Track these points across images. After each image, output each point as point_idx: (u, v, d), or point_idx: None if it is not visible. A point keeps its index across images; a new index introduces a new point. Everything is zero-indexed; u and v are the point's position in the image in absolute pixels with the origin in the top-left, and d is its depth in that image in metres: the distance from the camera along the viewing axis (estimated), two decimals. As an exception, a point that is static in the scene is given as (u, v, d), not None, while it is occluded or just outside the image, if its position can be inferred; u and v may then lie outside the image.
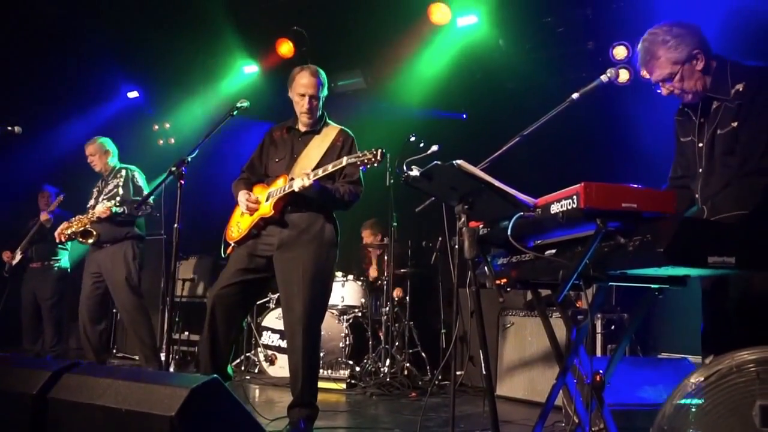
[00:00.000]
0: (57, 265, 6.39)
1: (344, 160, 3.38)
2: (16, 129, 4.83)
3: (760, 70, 2.48)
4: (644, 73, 2.58)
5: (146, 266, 7.28)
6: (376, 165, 3.32)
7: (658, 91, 2.58)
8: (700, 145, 2.56)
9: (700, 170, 2.56)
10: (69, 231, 5.21)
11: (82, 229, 5.14)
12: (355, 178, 3.60)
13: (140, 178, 5.43)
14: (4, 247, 6.49)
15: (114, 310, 7.57)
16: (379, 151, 3.28)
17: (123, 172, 5.36)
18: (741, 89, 2.42)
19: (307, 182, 3.33)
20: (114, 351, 7.43)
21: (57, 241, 5.34)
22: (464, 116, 5.00)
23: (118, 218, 5.12)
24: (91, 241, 5.14)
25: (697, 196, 2.57)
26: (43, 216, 6.06)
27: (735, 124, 2.42)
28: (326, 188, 3.49)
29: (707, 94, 2.52)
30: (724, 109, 2.47)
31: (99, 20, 7.18)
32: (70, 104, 7.86)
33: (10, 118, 4.89)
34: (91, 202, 5.38)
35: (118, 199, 5.09)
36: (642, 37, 2.57)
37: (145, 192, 5.29)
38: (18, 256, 6.34)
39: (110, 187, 5.27)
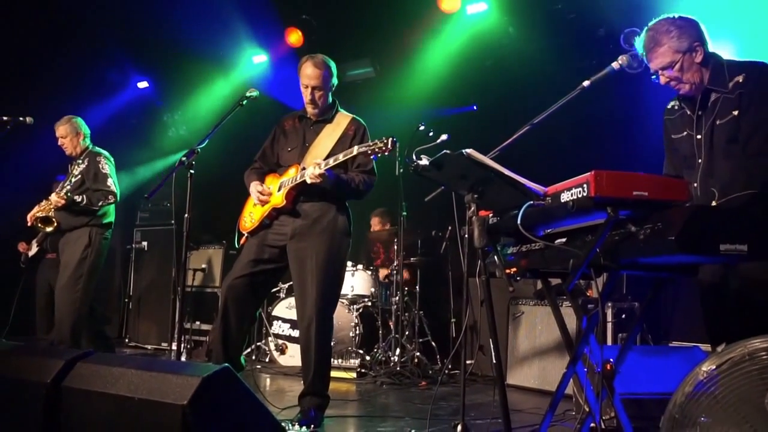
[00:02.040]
0: None
1: (355, 149, 3.38)
2: (28, 119, 4.83)
3: (757, 63, 2.57)
4: (653, 64, 2.63)
5: (157, 256, 7.37)
6: (387, 154, 3.31)
7: (656, 81, 2.65)
8: (699, 137, 2.61)
9: (699, 161, 2.61)
10: (40, 215, 5.00)
11: (43, 215, 4.94)
12: (369, 168, 3.60)
13: (106, 165, 5.06)
14: (20, 238, 6.53)
15: (126, 300, 7.67)
16: (390, 139, 3.27)
17: (89, 159, 5.03)
18: (741, 80, 2.51)
19: (317, 171, 3.33)
20: (126, 340, 7.51)
21: (28, 224, 5.14)
22: (474, 108, 4.99)
23: (76, 208, 4.88)
24: (50, 229, 4.93)
25: (695, 185, 2.60)
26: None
27: (736, 113, 2.49)
28: (341, 178, 3.49)
29: (706, 86, 2.59)
30: (722, 100, 2.54)
31: (108, 10, 7.19)
32: (80, 95, 7.88)
33: (21, 109, 4.90)
34: (60, 187, 5.11)
35: (68, 188, 4.84)
36: (646, 27, 2.64)
37: (110, 180, 4.98)
38: (34, 248, 6.39)
39: (76, 172, 4.99)
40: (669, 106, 2.81)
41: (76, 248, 4.93)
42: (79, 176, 4.95)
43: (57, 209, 4.89)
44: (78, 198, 4.83)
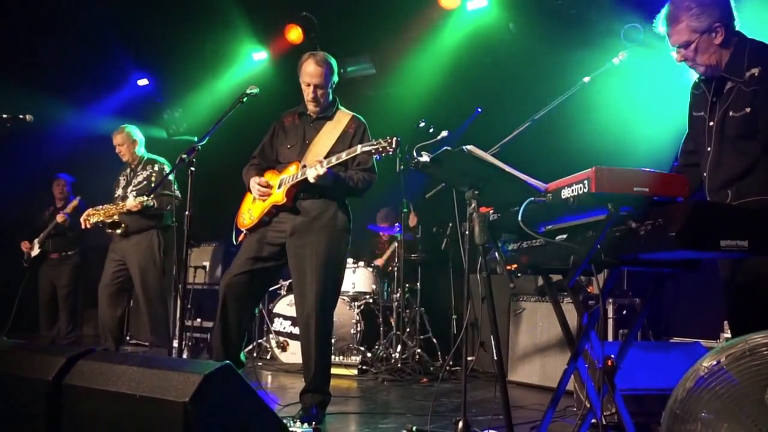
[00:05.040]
0: (74, 254, 6.45)
1: (358, 148, 3.37)
2: (28, 117, 4.84)
3: None
4: (670, 40, 2.53)
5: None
6: (390, 153, 3.31)
7: (672, 53, 2.55)
8: (711, 123, 2.53)
9: (709, 149, 2.53)
10: (94, 219, 5.24)
11: (110, 220, 5.17)
12: (369, 166, 3.58)
13: (167, 171, 5.36)
14: (21, 237, 6.54)
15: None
16: (394, 139, 3.26)
17: (155, 166, 5.34)
18: (756, 74, 2.38)
19: (321, 171, 3.32)
20: (128, 338, 7.50)
21: (82, 227, 5.36)
22: (479, 110, 5.01)
23: (149, 212, 5.16)
24: (119, 231, 5.21)
25: (705, 174, 2.54)
26: (60, 217, 6.08)
27: (749, 110, 2.39)
28: (340, 177, 3.48)
29: (722, 73, 2.47)
30: (737, 91, 2.43)
31: (108, 7, 7.18)
32: (81, 92, 7.89)
33: (21, 107, 4.90)
34: (119, 191, 5.39)
35: (151, 195, 5.09)
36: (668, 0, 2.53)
37: (173, 185, 5.27)
38: (36, 249, 6.41)
39: (140, 179, 5.28)
40: (696, 81, 2.67)
41: (152, 251, 5.23)
42: (144, 182, 5.24)
43: (126, 213, 5.15)
44: (151, 202, 5.09)
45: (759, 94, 2.37)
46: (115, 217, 5.16)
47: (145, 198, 5.01)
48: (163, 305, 5.32)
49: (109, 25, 7.41)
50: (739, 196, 2.38)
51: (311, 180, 3.37)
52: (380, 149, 3.29)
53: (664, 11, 2.52)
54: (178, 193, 5.23)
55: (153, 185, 5.19)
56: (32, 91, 7.23)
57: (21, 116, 4.79)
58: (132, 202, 5.05)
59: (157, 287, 5.25)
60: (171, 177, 5.33)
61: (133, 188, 5.25)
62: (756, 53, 2.43)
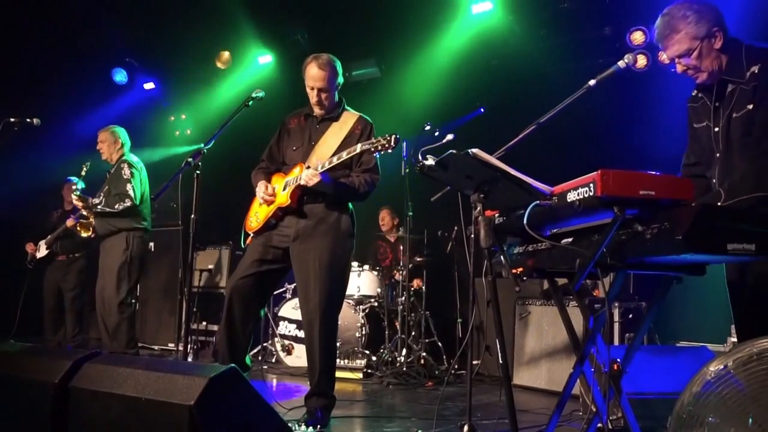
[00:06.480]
0: (81, 257, 6.47)
1: (358, 147, 3.36)
2: (35, 121, 4.88)
3: None
4: (662, 55, 2.55)
5: (164, 257, 7.39)
6: (390, 151, 3.29)
7: (673, 70, 2.56)
8: (716, 129, 2.53)
9: (717, 155, 2.53)
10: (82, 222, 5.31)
11: (85, 222, 5.25)
12: (371, 166, 3.57)
13: (128, 171, 5.26)
14: (28, 239, 6.57)
15: (133, 301, 7.67)
16: (393, 137, 3.25)
17: (116, 166, 5.31)
18: (756, 71, 2.40)
19: (314, 179, 3.34)
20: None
21: (92, 236, 5.40)
22: (482, 110, 4.99)
23: (96, 210, 5.17)
24: (85, 235, 5.22)
25: (714, 181, 2.54)
26: (70, 222, 6.08)
27: (750, 107, 2.39)
28: (338, 183, 3.47)
29: (723, 76, 2.48)
30: (739, 92, 2.44)
31: (115, 12, 7.22)
32: (88, 96, 7.93)
33: (29, 111, 4.94)
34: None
35: (101, 194, 5.10)
36: (661, 12, 2.53)
37: (129, 185, 5.17)
38: (43, 250, 6.42)
39: (107, 179, 5.30)
40: (693, 94, 2.69)
41: (116, 253, 5.15)
42: (108, 183, 5.25)
43: (96, 215, 5.18)
44: (96, 200, 5.07)
45: (759, 88, 2.38)
46: (91, 219, 5.23)
47: (75, 196, 5.06)
48: (118, 308, 5.10)
49: (116, 28, 7.45)
50: (732, 194, 2.36)
51: (301, 182, 3.39)
52: (379, 147, 3.28)
53: (659, 24, 2.52)
54: (132, 192, 5.13)
55: (106, 185, 5.23)
56: (39, 94, 7.28)
57: (28, 120, 4.83)
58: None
59: (117, 290, 5.09)
60: (131, 176, 5.25)
61: (102, 188, 5.25)
62: (753, 53, 2.44)
